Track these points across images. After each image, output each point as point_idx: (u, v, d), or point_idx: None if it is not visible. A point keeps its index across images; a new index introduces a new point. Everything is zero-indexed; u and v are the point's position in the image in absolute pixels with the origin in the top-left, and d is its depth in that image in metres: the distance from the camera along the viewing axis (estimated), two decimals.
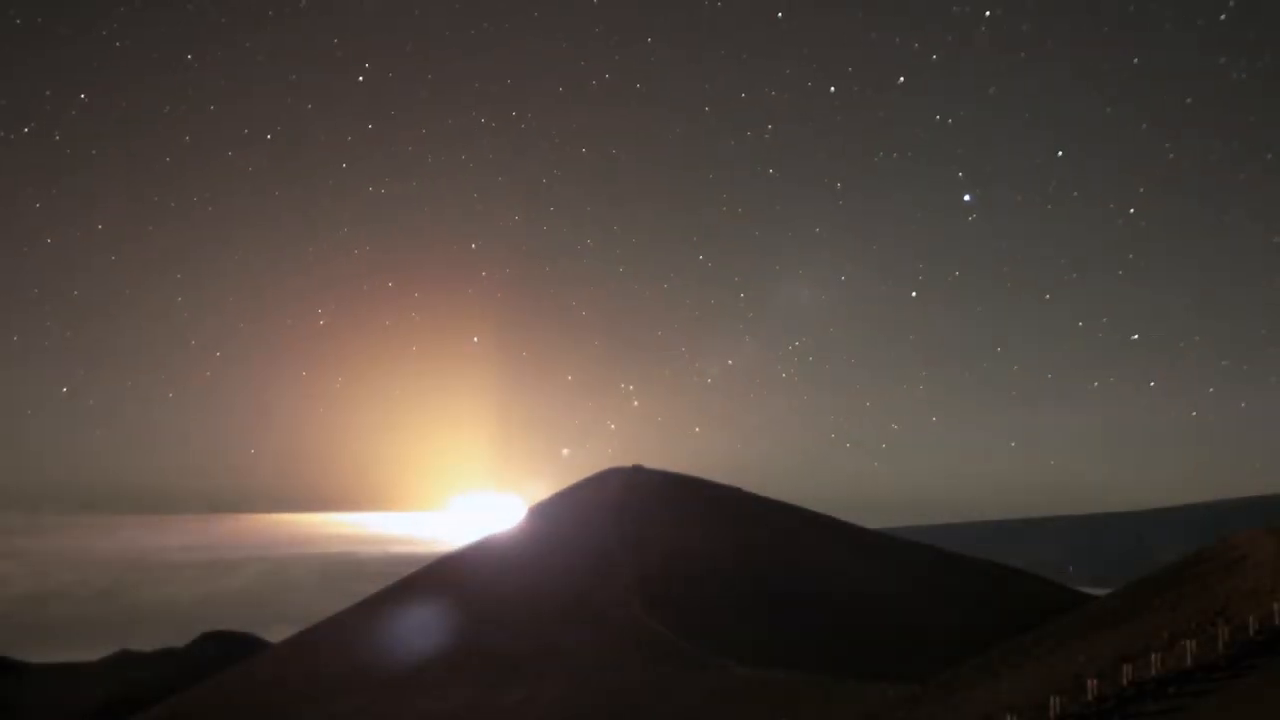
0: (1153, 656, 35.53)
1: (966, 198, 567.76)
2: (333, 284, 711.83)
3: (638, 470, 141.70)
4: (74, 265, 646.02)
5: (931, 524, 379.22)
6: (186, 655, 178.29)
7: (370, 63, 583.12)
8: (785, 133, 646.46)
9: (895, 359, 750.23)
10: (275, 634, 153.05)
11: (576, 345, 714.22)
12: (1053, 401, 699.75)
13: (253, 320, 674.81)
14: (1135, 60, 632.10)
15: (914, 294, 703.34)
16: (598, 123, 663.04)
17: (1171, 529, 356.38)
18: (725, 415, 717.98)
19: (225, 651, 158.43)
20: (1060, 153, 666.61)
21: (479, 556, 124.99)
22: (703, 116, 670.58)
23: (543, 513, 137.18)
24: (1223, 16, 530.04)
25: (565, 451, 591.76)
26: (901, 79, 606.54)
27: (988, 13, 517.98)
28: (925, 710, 46.12)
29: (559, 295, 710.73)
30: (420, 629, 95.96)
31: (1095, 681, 34.70)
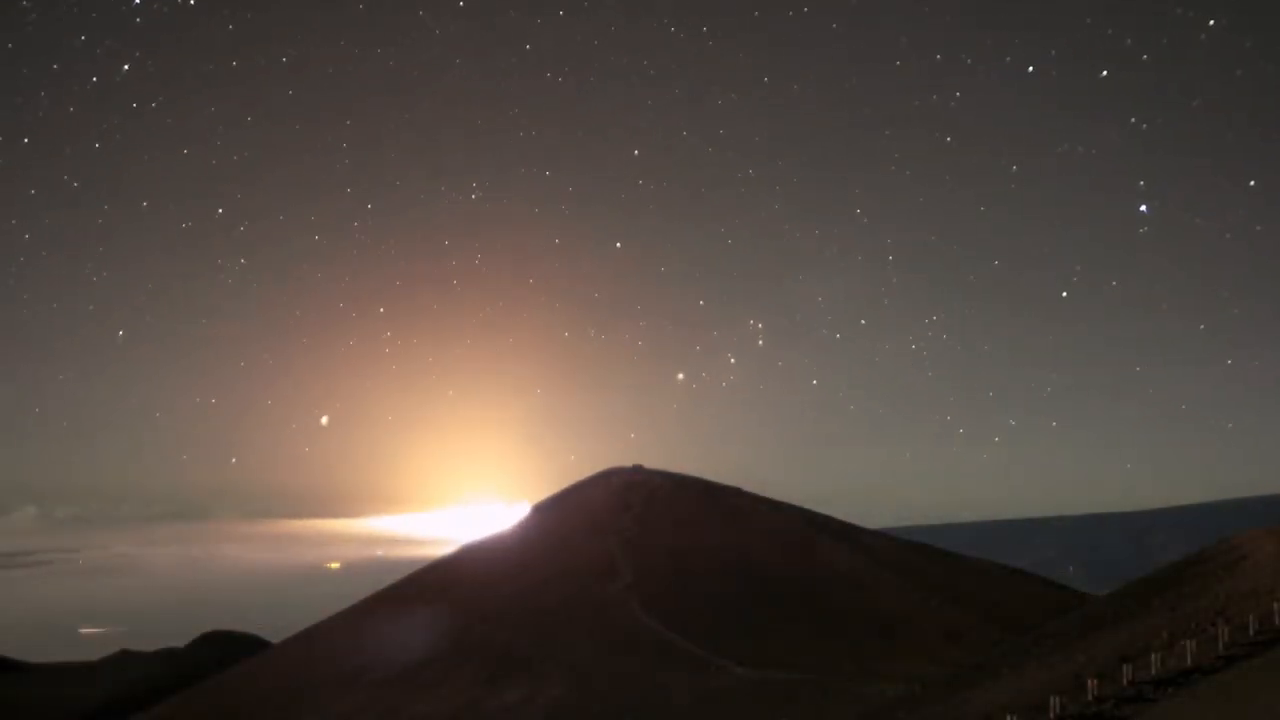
0: (1153, 656, 35.52)
1: (1143, 208, 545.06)
2: (489, 165, 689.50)
3: (638, 470, 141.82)
4: (228, 135, 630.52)
5: (932, 524, 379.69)
6: (186, 655, 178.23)
7: None
8: (971, 103, 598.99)
9: (1029, 354, 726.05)
10: (275, 634, 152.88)
11: (715, 271, 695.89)
12: (1183, 432, 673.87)
13: (408, 192, 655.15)
14: None
15: (1064, 294, 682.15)
16: (785, 56, 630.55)
17: (1171, 529, 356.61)
18: (846, 373, 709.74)
19: (225, 651, 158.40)
20: (1252, 182, 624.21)
21: (479, 556, 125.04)
22: (891, 70, 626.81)
23: (543, 512, 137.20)
24: None
25: (680, 376, 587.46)
26: (1105, 73, 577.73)
27: (1211, 21, 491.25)
28: (925, 710, 46.12)
29: (708, 218, 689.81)
30: (420, 629, 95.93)
31: (1095, 681, 34.70)
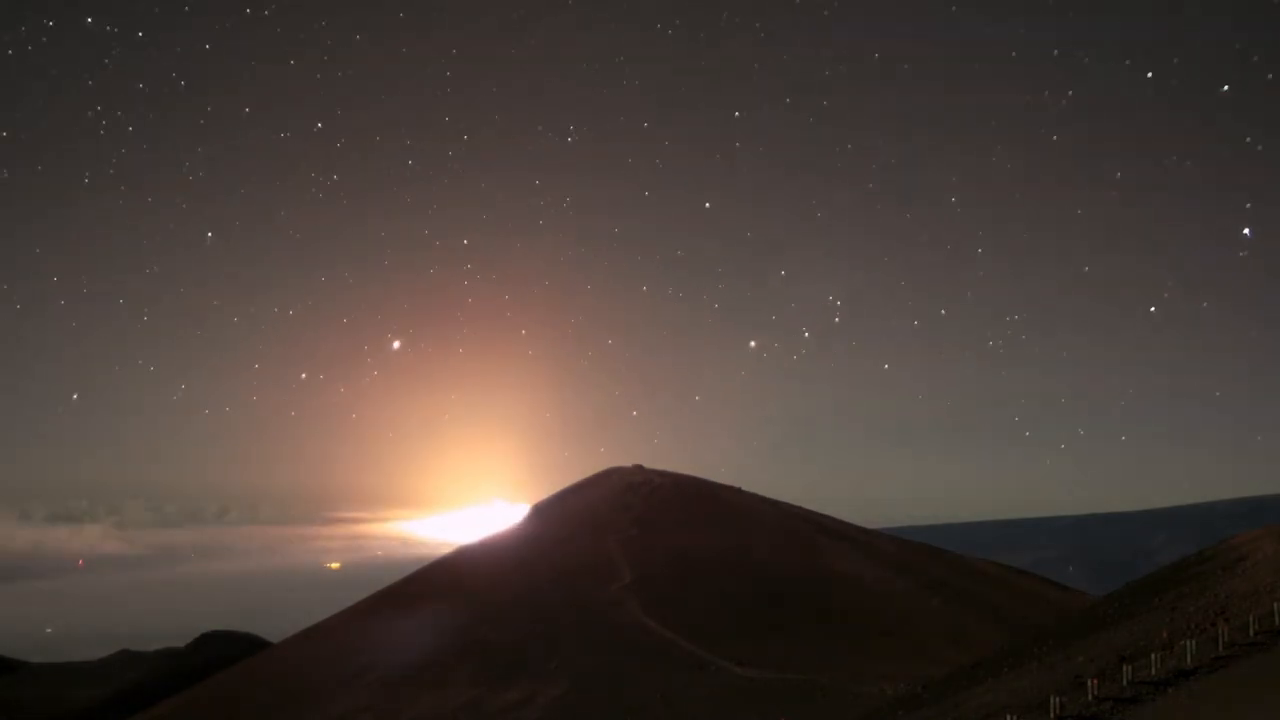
0: (1153, 656, 35.51)
1: (1245, 231, 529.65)
2: (588, 110, 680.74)
3: (638, 470, 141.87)
4: (335, 51, 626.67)
5: (931, 524, 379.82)
6: (186, 655, 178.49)
7: None
8: (1084, 103, 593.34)
9: (1109, 365, 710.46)
10: (275, 634, 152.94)
11: (801, 242, 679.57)
12: (1262, 454, 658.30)
13: (505, 127, 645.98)
14: None
15: (1153, 309, 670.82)
16: (899, 33, 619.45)
17: (1171, 529, 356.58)
18: (918, 361, 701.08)
19: (225, 651, 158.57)
20: None
21: (479, 556, 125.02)
22: (1007, 62, 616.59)
23: (543, 512, 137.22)
24: None
25: (752, 343, 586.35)
26: (1225, 87, 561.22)
27: None
28: (925, 710, 46.10)
29: (801, 188, 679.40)
30: (420, 629, 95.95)
31: (1095, 681, 34.70)
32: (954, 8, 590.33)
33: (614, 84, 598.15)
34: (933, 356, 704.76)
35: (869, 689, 63.44)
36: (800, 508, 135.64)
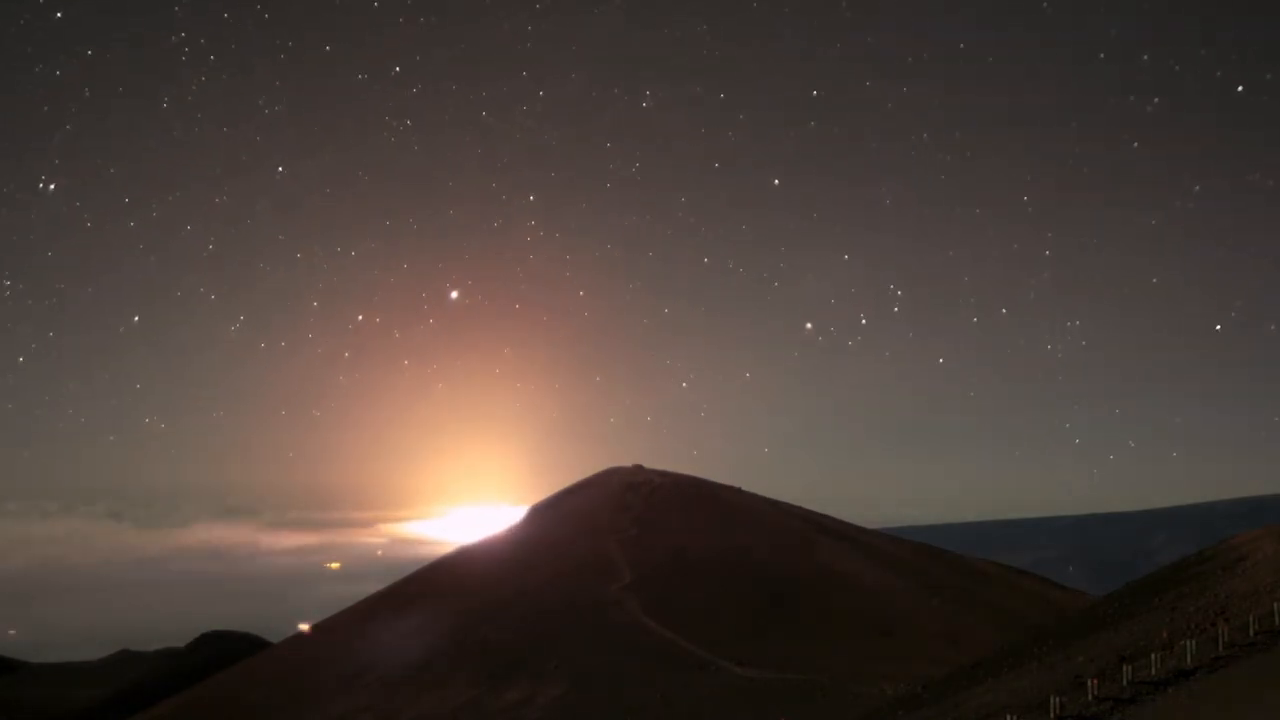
0: (1153, 656, 35.51)
1: None
2: (666, 77, 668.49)
3: (638, 470, 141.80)
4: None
5: (931, 524, 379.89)
6: (186, 655, 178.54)
7: None
8: (1167, 112, 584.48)
9: (1169, 375, 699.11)
10: (275, 634, 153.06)
11: (867, 228, 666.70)
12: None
13: (581, 86, 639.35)
14: None
15: (1218, 327, 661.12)
16: (986, 26, 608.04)
17: (1171, 529, 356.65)
18: (974, 359, 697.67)
19: (225, 651, 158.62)
20: None
21: (479, 556, 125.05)
22: (1094, 63, 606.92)
23: (543, 512, 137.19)
24: None
25: (808, 325, 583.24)
26: None
27: None
28: (925, 710, 46.12)
29: (872, 174, 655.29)
30: (420, 629, 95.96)
31: (1095, 681, 34.71)
32: (1045, 4, 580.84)
33: (694, 53, 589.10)
34: (988, 355, 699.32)
35: (869, 689, 63.44)
36: (800, 508, 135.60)
